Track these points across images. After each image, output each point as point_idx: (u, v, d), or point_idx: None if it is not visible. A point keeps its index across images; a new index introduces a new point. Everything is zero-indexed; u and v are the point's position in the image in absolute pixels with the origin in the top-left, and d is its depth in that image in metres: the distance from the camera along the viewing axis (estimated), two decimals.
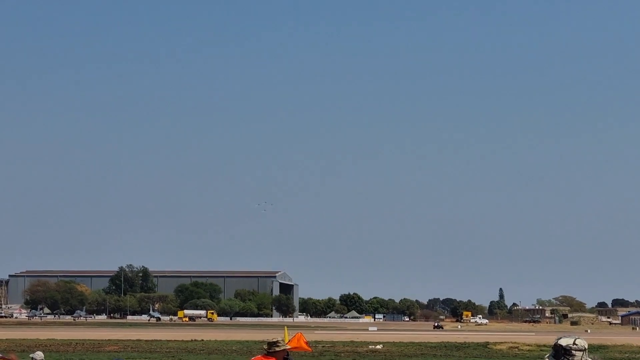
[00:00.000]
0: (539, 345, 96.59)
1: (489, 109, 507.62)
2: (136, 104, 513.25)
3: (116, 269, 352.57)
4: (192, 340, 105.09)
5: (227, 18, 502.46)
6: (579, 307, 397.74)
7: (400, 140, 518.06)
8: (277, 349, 14.99)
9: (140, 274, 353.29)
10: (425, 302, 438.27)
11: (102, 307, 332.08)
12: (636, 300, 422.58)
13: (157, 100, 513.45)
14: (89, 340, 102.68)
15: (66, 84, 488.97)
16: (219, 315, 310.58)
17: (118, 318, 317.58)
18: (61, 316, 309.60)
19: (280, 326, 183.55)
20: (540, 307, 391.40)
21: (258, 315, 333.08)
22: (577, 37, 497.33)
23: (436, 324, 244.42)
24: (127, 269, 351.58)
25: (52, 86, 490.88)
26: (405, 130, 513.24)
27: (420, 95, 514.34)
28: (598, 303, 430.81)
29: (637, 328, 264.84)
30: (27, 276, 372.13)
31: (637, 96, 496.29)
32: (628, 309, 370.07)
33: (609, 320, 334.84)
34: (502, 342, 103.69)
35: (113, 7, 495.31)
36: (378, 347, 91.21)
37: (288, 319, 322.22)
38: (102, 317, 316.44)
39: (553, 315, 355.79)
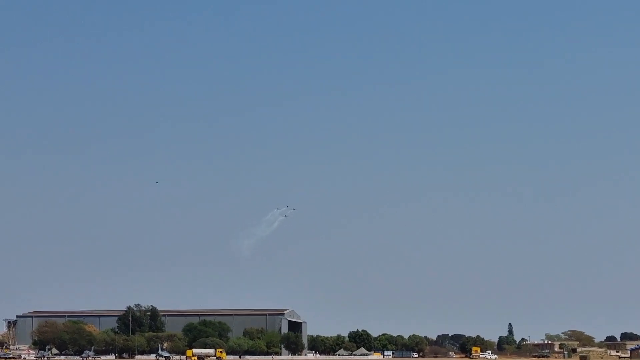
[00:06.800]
0: None
1: (490, 156, 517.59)
2: (142, 145, 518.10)
3: (124, 308, 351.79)
4: None
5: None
6: (587, 341, 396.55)
7: (408, 181, 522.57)
8: None
9: (149, 313, 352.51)
10: (434, 338, 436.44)
11: (111, 347, 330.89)
12: None
13: (164, 144, 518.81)
14: None
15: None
16: (227, 353, 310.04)
17: (127, 358, 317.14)
18: (69, 356, 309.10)
19: None
20: (549, 342, 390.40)
21: (267, 353, 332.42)
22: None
23: None
24: (135, 309, 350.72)
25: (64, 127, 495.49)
26: (416, 173, 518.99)
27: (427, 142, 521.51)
28: (607, 337, 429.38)
29: None
30: (35, 317, 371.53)
31: None
32: (637, 343, 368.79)
33: (617, 354, 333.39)
34: None
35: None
36: None
37: (297, 357, 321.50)
38: (111, 357, 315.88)
39: (562, 350, 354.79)
